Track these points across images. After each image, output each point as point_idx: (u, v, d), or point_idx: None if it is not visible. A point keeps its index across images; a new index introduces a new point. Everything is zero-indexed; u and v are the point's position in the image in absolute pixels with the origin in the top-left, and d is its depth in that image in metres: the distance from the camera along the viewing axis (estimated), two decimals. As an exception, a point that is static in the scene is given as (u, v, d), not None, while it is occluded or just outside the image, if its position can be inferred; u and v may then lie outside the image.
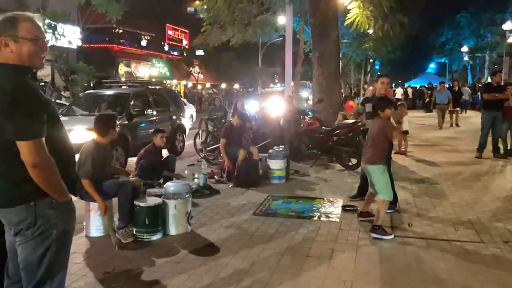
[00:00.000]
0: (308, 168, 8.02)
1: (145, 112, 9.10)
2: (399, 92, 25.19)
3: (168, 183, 4.68)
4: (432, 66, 55.29)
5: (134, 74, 31.92)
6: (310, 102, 15.65)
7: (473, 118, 17.15)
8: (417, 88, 31.61)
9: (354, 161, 7.70)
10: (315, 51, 10.56)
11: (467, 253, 3.95)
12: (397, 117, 5.53)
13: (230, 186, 6.64)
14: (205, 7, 13.70)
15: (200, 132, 9.99)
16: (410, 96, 28.56)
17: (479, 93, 21.21)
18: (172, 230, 4.45)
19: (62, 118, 7.65)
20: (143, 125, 8.80)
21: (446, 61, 47.28)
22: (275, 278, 3.44)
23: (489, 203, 5.57)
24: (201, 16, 14.31)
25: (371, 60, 31.34)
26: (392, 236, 4.29)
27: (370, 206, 4.88)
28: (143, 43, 34.70)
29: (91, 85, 17.69)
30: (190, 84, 39.64)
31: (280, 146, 7.37)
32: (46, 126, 2.03)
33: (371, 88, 9.02)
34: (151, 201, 4.44)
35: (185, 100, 16.79)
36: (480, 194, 6.01)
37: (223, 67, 36.56)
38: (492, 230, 4.52)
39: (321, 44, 10.31)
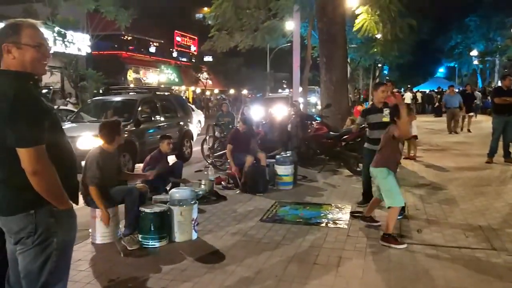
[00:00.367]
0: (316, 173, 7.96)
1: (153, 118, 9.12)
2: (408, 97, 24.97)
3: (173, 190, 4.66)
4: (441, 70, 54.91)
5: (142, 80, 32.14)
6: (319, 107, 15.58)
7: (483, 123, 16.93)
8: (426, 92, 31.36)
9: (362, 166, 7.61)
10: (322, 56, 10.53)
11: (478, 261, 3.86)
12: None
13: (237, 192, 6.61)
14: (213, 14, 13.73)
15: (207, 138, 9.99)
16: (420, 100, 28.33)
17: (489, 97, 21.01)
18: (178, 237, 4.42)
19: (71, 125, 7.70)
20: (150, 131, 8.82)
21: (456, 65, 46.93)
22: (281, 287, 3.39)
23: (500, 209, 5.45)
24: (209, 22, 14.32)
25: (379, 65, 31.19)
26: (405, 246, 4.19)
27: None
28: (152, 49, 34.96)
29: (100, 91, 17.82)
30: (198, 90, 39.80)
31: (288, 152, 7.32)
32: (47, 133, 2.01)
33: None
34: (157, 207, 4.42)
35: (193, 106, 16.84)
36: (491, 200, 5.90)
37: (231, 73, 36.70)
38: (504, 237, 4.42)
39: (329, 49, 10.28)
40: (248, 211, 5.56)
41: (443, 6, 31.42)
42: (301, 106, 11.08)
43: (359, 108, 13.37)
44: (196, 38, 38.71)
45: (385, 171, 4.40)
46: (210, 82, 37.15)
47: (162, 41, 35.67)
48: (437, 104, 25.62)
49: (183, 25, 38.09)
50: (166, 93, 11.21)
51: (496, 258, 3.90)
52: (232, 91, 43.16)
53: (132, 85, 23.75)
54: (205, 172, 7.70)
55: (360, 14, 12.08)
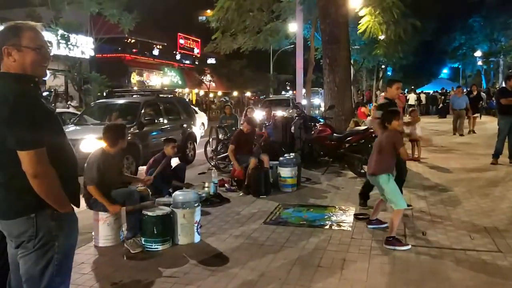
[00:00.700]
0: (320, 175, 7.92)
1: (156, 121, 9.13)
2: (412, 98, 24.89)
3: (176, 192, 4.64)
4: (445, 71, 54.70)
5: (146, 83, 32.20)
6: (322, 109, 15.57)
7: (488, 124, 16.84)
8: (430, 93, 31.24)
9: (366, 168, 7.57)
10: (326, 58, 10.50)
11: (483, 263, 3.81)
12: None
13: (241, 194, 6.58)
14: (216, 16, 13.75)
15: (210, 140, 9.98)
16: (423, 101, 28.23)
17: (493, 98, 20.86)
18: (181, 240, 4.40)
19: (74, 128, 7.72)
20: (153, 133, 8.83)
21: (460, 66, 46.73)
22: (284, 290, 3.36)
23: (506, 211, 5.40)
24: (212, 25, 14.35)
25: (383, 66, 31.13)
26: (409, 247, 4.17)
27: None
28: (155, 52, 35.06)
29: (103, 94, 17.86)
30: (202, 93, 39.85)
31: (291, 154, 7.29)
32: (48, 136, 2.00)
33: (383, 94, 8.93)
34: (160, 210, 4.41)
35: (196, 108, 16.84)
36: (496, 201, 5.85)
37: (234, 75, 36.68)
38: (510, 239, 4.37)
39: (332, 50, 10.25)
40: (251, 213, 5.54)
41: (446, 7, 31.28)
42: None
43: (363, 109, 13.35)
44: (199, 40, 38.78)
45: (385, 177, 4.38)
46: (213, 84, 37.17)
47: (165, 44, 35.76)
48: (441, 105, 25.52)
49: (186, 27, 38.19)
50: (169, 96, 11.22)
51: (502, 260, 3.86)
52: (235, 93, 43.18)
53: (135, 88, 23.82)
54: (210, 174, 7.67)
55: (364, 16, 12.06)
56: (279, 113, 10.30)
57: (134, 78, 31.66)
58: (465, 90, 17.22)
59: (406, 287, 3.39)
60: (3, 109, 1.92)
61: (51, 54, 2.25)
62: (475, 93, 16.36)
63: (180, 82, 35.79)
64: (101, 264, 4.01)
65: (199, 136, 11.39)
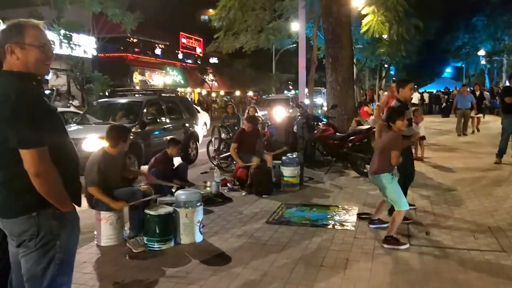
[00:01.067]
0: (323, 175, 7.90)
1: (158, 120, 9.12)
2: (415, 97, 24.80)
3: (179, 192, 4.63)
4: (448, 70, 54.53)
5: (148, 82, 32.20)
6: (325, 108, 15.53)
7: (491, 123, 16.77)
8: (433, 93, 31.14)
9: (368, 167, 7.54)
10: (328, 57, 10.47)
11: (487, 263, 3.79)
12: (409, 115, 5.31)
13: (243, 194, 6.57)
14: (219, 16, 13.73)
15: (213, 139, 9.96)
16: (427, 101, 28.14)
17: (497, 97, 20.75)
18: (183, 239, 4.39)
19: (76, 127, 7.71)
20: (156, 133, 8.82)
21: (463, 65, 46.55)
22: (287, 289, 3.35)
23: (510, 210, 5.37)
24: (215, 24, 14.32)
25: (386, 65, 31.05)
26: (407, 246, 4.15)
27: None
28: (158, 51, 35.05)
29: (106, 94, 17.88)
30: (204, 92, 39.86)
31: (294, 153, 7.27)
32: (50, 134, 1.99)
33: (386, 93, 8.88)
34: (162, 209, 4.40)
35: (198, 108, 16.83)
36: (500, 201, 5.81)
37: (237, 74, 36.66)
38: (514, 239, 4.35)
39: (335, 50, 10.22)
40: (254, 213, 5.52)
41: (450, 6, 31.18)
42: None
43: (366, 109, 13.31)
44: (201, 40, 38.76)
45: (388, 176, 4.36)
46: (215, 83, 37.16)
47: (168, 43, 35.74)
48: (444, 104, 25.43)
49: (189, 27, 38.16)
50: (171, 95, 11.21)
51: (505, 260, 3.83)
52: (238, 93, 43.17)
53: (138, 87, 23.83)
54: (212, 173, 7.66)
55: (367, 15, 12.02)
56: (278, 112, 10.22)
57: (136, 77, 31.67)
58: (468, 90, 17.05)
59: (409, 287, 3.37)
60: (5, 108, 1.90)
61: (54, 52, 2.23)
62: (478, 92, 16.23)
63: (182, 82, 35.81)
64: (103, 263, 4.00)
65: (201, 135, 11.38)
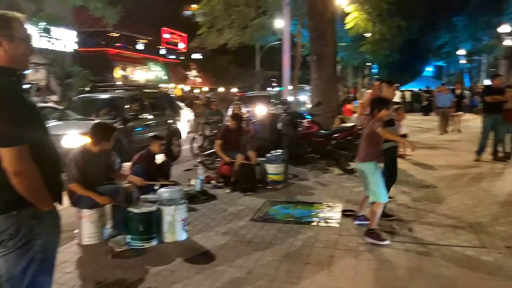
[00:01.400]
0: (307, 172, 7.92)
1: (140, 116, 8.99)
2: (397, 96, 25.03)
3: (162, 189, 4.57)
4: (429, 69, 55.27)
5: (129, 78, 31.75)
6: (309, 105, 15.57)
7: (471, 121, 17.07)
8: (415, 91, 31.52)
9: (353, 165, 7.60)
10: (313, 54, 10.50)
11: (468, 258, 3.85)
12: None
13: (227, 191, 6.53)
14: (202, 11, 13.63)
15: (196, 136, 9.89)
16: (408, 99, 28.45)
17: (476, 96, 21.12)
18: (167, 237, 4.34)
19: (56, 123, 7.50)
20: (138, 129, 8.69)
21: (444, 64, 47.29)
22: (272, 287, 3.33)
23: (489, 207, 5.48)
24: (198, 20, 14.18)
25: (368, 64, 31.33)
26: (388, 242, 4.19)
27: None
28: (140, 46, 34.60)
29: (85, 89, 17.54)
30: (187, 88, 39.55)
31: (278, 150, 7.26)
32: (30, 132, 1.92)
33: (369, 91, 8.96)
34: (145, 207, 4.33)
35: (182, 104, 16.66)
36: (480, 198, 5.92)
37: (220, 71, 36.49)
38: (494, 235, 4.43)
39: (319, 47, 10.25)
40: (238, 210, 5.50)
41: (431, 5, 31.60)
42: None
43: (349, 106, 13.38)
44: (185, 35, 38.42)
45: (372, 165, 4.38)
46: (199, 79, 36.93)
47: (151, 38, 35.32)
48: (425, 102, 25.75)
49: (172, 22, 37.77)
50: (153, 91, 11.07)
51: (486, 255, 3.90)
52: (221, 89, 42.98)
53: (119, 83, 23.49)
54: (196, 170, 7.60)
55: (351, 12, 12.08)
56: (260, 109, 10.18)
57: (118, 72, 31.22)
58: (448, 88, 17.24)
59: (394, 283, 3.40)
60: None
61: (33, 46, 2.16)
62: (458, 91, 16.45)
63: (165, 77, 35.46)
64: (85, 262, 3.92)
65: (185, 132, 11.27)
